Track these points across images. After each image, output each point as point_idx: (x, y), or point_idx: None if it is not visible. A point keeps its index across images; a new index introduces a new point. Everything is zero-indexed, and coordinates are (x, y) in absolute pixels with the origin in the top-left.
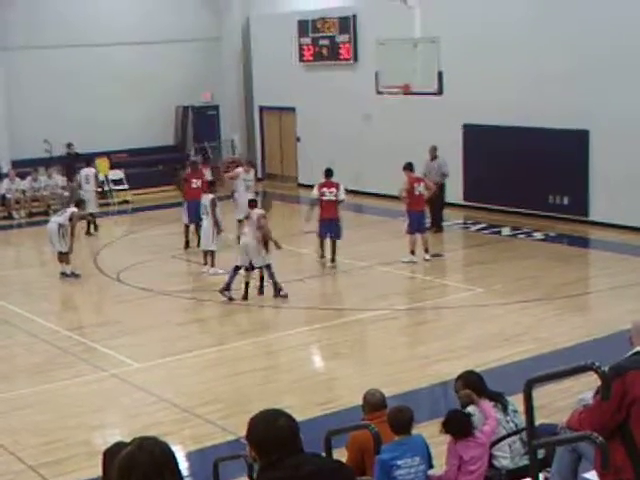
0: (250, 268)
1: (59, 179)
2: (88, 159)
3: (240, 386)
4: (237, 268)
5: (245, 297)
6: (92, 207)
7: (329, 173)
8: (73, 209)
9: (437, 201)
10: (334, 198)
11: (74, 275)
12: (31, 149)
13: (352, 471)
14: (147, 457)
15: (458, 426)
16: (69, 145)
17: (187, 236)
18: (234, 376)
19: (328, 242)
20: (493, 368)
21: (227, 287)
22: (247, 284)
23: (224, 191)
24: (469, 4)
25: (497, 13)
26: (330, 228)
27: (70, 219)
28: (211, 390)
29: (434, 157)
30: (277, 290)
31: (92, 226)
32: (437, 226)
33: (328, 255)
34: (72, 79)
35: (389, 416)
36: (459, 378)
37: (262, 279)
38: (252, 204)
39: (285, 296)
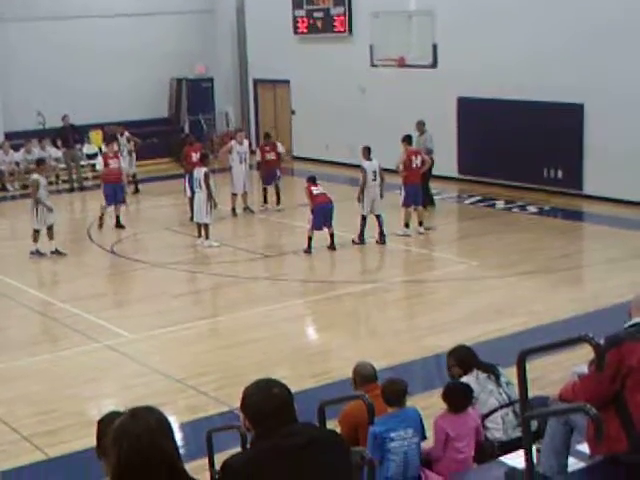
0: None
1: (52, 151)
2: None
3: (234, 358)
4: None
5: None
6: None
7: (313, 180)
8: (34, 175)
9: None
10: (323, 190)
11: (38, 253)
12: (24, 121)
13: (345, 440)
14: (141, 425)
15: (460, 396)
16: (64, 117)
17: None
18: (228, 348)
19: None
20: (487, 341)
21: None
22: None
23: (220, 165)
24: None
25: None
26: (327, 218)
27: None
28: (205, 362)
29: (422, 132)
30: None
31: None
32: (430, 202)
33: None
34: (66, 51)
35: (383, 388)
36: (450, 353)
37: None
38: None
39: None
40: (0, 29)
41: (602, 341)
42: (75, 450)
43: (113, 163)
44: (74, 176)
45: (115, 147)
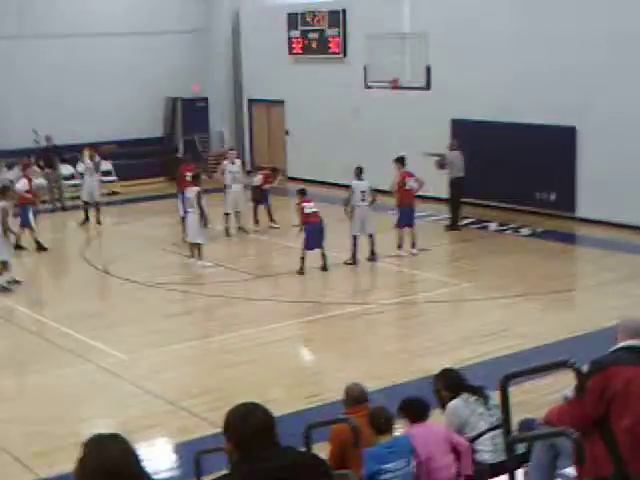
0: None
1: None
2: (78, 151)
3: (226, 379)
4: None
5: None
6: (96, 197)
7: (304, 193)
8: (1, 203)
9: (458, 197)
10: (315, 209)
11: (13, 283)
12: (18, 139)
13: (326, 465)
14: (102, 463)
15: (417, 405)
16: (48, 137)
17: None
18: (220, 369)
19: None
20: (477, 363)
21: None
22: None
23: (213, 185)
24: None
25: (486, 8)
26: (319, 238)
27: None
28: (197, 383)
29: (453, 149)
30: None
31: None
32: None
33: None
34: (60, 69)
35: (370, 417)
36: (437, 377)
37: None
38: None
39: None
40: None
41: (586, 365)
42: (67, 472)
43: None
44: (56, 197)
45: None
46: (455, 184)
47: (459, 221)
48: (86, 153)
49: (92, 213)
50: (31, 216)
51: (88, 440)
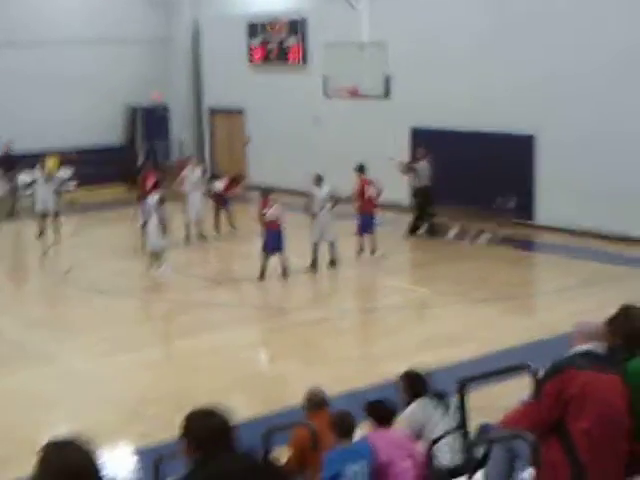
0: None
1: None
2: (35, 161)
3: (186, 385)
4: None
5: None
6: (50, 206)
7: (266, 193)
8: None
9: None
10: (276, 215)
11: None
12: None
13: (281, 470)
14: (62, 465)
15: (383, 408)
16: (7, 144)
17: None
18: (180, 374)
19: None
20: (437, 368)
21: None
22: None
23: (174, 192)
24: (417, 8)
25: (445, 18)
26: (278, 243)
27: None
28: (157, 388)
29: (418, 159)
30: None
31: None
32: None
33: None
34: (20, 77)
35: (333, 421)
36: (401, 377)
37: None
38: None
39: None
40: None
41: (544, 369)
42: (21, 477)
43: None
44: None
45: None
46: (421, 193)
47: (420, 228)
48: (48, 162)
49: (50, 224)
50: None
51: (46, 444)
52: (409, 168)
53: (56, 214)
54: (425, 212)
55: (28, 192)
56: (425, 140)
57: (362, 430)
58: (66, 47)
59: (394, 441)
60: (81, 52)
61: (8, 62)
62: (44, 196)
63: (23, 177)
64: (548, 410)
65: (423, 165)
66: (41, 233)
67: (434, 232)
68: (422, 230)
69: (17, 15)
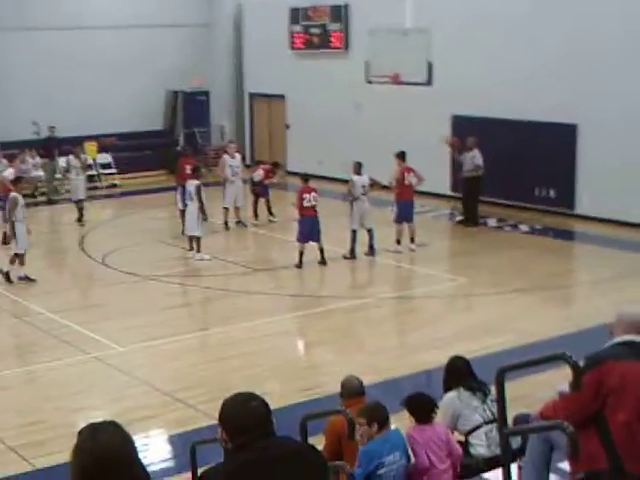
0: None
1: (31, 162)
2: (72, 147)
3: (222, 371)
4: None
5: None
6: (81, 194)
7: (307, 179)
8: (12, 194)
9: (471, 195)
10: (314, 203)
11: (27, 279)
12: (19, 131)
13: (322, 455)
14: (100, 444)
15: (423, 405)
16: (51, 128)
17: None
18: (217, 361)
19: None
20: (475, 357)
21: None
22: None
23: (213, 178)
24: None
25: (488, 5)
26: (314, 232)
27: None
28: (193, 375)
29: (469, 149)
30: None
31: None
32: (472, 221)
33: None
34: (62, 62)
35: (368, 412)
36: (447, 364)
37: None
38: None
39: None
40: None
41: (583, 360)
42: (61, 462)
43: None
44: (43, 188)
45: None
46: (472, 182)
47: (473, 217)
48: (83, 150)
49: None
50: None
51: (84, 428)
52: (458, 151)
53: (82, 202)
54: (475, 201)
55: (66, 178)
56: (466, 128)
57: (403, 422)
58: (108, 32)
59: (434, 441)
60: (123, 37)
61: (50, 45)
62: (78, 184)
63: (62, 162)
64: (587, 402)
65: (474, 154)
66: (79, 219)
67: (477, 221)
68: (471, 219)
69: (62, 0)
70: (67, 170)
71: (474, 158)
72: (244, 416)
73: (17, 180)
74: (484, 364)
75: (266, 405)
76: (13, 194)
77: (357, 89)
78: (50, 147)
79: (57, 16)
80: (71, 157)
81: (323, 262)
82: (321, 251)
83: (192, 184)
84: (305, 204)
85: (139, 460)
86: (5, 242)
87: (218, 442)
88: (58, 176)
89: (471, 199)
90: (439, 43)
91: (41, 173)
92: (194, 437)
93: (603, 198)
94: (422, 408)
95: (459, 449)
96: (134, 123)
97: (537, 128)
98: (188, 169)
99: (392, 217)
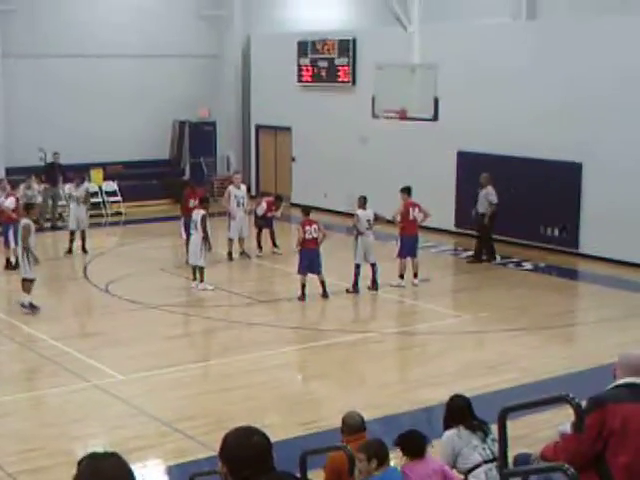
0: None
1: (37, 188)
2: (77, 176)
3: (223, 403)
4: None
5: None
6: (82, 224)
7: (307, 212)
8: (25, 220)
9: (485, 231)
10: (315, 235)
11: (32, 307)
12: (25, 157)
13: None
14: (99, 476)
15: (414, 441)
16: (55, 154)
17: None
18: (217, 392)
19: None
20: (477, 396)
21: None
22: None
23: (218, 208)
24: (468, 33)
25: (495, 43)
26: (314, 264)
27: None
28: (193, 405)
29: (482, 185)
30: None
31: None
32: (488, 255)
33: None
34: (70, 89)
35: (368, 448)
36: (448, 403)
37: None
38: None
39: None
40: (5, 65)
41: (585, 401)
42: None
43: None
44: (47, 215)
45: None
46: (486, 218)
47: (487, 253)
48: (86, 179)
49: (78, 241)
50: (11, 235)
51: (84, 457)
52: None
53: (84, 232)
54: (488, 238)
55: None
56: (471, 164)
57: (395, 460)
58: (117, 60)
59: (429, 475)
60: (131, 66)
61: (58, 73)
62: (79, 214)
63: (67, 189)
64: (589, 444)
65: (487, 191)
66: (69, 251)
67: (493, 258)
68: (485, 256)
69: (71, 28)
70: (68, 199)
71: (487, 195)
72: (245, 450)
73: (29, 207)
74: (486, 402)
75: (267, 440)
76: (26, 221)
77: (363, 123)
78: (53, 173)
79: (67, 44)
80: (71, 186)
81: (325, 295)
82: (322, 284)
83: (198, 214)
84: (307, 237)
85: None
86: (10, 267)
87: (217, 475)
88: (63, 203)
89: (483, 235)
90: (446, 79)
91: (40, 199)
92: (192, 468)
93: (607, 237)
94: (414, 445)
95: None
96: (140, 152)
97: (542, 166)
98: (191, 202)
99: (395, 252)
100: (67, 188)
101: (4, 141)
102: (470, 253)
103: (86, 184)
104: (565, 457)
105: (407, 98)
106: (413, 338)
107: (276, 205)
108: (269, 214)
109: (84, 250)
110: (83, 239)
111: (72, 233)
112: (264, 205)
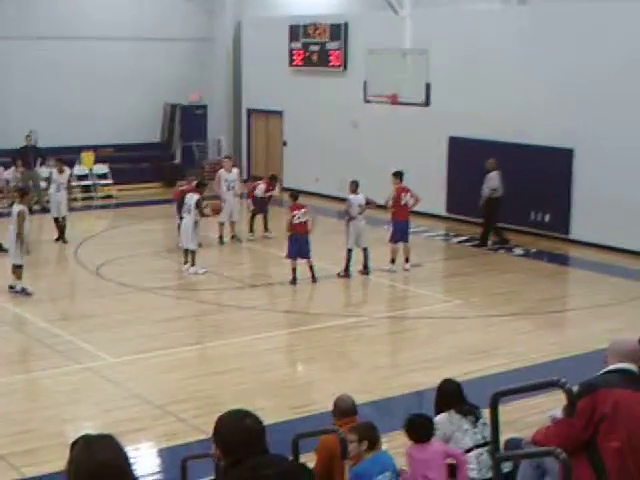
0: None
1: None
2: (60, 162)
3: (214, 386)
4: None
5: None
6: (63, 211)
7: (295, 196)
8: (19, 207)
9: (486, 216)
10: (304, 219)
11: (25, 292)
12: (16, 139)
13: (313, 474)
14: (95, 457)
15: (420, 427)
16: (28, 136)
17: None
18: (209, 375)
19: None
20: (467, 380)
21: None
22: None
23: (208, 192)
24: (460, 18)
25: (487, 28)
26: (303, 249)
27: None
28: (185, 388)
29: (488, 171)
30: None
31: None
32: (501, 239)
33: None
34: (61, 71)
35: (359, 430)
36: (439, 387)
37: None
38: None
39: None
40: None
41: (576, 387)
42: (51, 471)
43: None
44: (34, 198)
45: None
46: (491, 204)
47: (489, 240)
48: (58, 165)
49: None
50: None
51: (78, 439)
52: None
53: (64, 220)
54: (493, 223)
55: (46, 189)
56: (462, 150)
57: (392, 443)
58: (108, 43)
59: (431, 461)
60: (123, 49)
61: (49, 55)
62: (59, 200)
63: (43, 171)
64: (580, 429)
65: (491, 176)
66: (59, 237)
67: (503, 243)
68: (490, 241)
69: (62, 9)
70: (48, 183)
71: (488, 180)
72: (239, 433)
73: (24, 193)
74: (477, 387)
75: (260, 423)
76: (21, 207)
77: (355, 108)
78: (27, 156)
79: (58, 26)
80: (54, 171)
81: (313, 279)
82: (311, 268)
83: (193, 197)
84: (295, 221)
85: (133, 473)
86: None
87: (209, 457)
88: (44, 185)
89: (486, 220)
90: (437, 64)
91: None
92: (184, 451)
93: (598, 223)
94: (421, 432)
95: (461, 455)
96: (132, 135)
97: (534, 152)
98: (183, 192)
99: (387, 237)
100: (48, 172)
101: None
102: (463, 238)
103: (69, 170)
104: (556, 442)
105: (398, 83)
106: (404, 322)
107: (272, 184)
108: (267, 194)
109: (63, 240)
110: (63, 228)
111: (56, 220)
112: (263, 186)
